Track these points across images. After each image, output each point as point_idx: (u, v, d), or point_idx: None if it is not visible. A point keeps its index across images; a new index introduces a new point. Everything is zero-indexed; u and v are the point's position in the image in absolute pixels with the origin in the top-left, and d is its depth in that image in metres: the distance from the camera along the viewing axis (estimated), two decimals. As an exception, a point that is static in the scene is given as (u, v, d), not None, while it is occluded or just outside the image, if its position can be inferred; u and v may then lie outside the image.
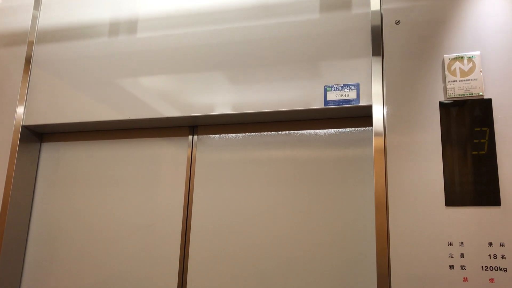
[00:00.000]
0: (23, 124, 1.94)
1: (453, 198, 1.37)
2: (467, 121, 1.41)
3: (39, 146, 2.05)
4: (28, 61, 2.01)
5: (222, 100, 1.73)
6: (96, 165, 1.97)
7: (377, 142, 1.49)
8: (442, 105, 1.45)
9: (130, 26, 1.91)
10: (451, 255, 1.34)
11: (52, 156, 2.04)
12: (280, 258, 1.67)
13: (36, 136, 2.02)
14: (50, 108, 1.93)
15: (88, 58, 1.94)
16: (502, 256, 1.30)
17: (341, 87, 1.58)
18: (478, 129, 1.40)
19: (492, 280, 1.30)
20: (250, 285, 1.68)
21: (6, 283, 1.85)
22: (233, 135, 1.83)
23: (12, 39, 2.06)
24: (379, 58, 1.56)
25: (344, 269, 1.59)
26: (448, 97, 1.45)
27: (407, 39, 1.53)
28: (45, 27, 2.05)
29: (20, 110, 1.95)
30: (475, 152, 1.39)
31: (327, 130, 1.71)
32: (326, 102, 1.58)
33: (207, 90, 1.75)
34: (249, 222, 1.73)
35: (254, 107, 1.68)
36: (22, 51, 2.03)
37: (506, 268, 1.29)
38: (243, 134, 1.82)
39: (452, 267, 1.33)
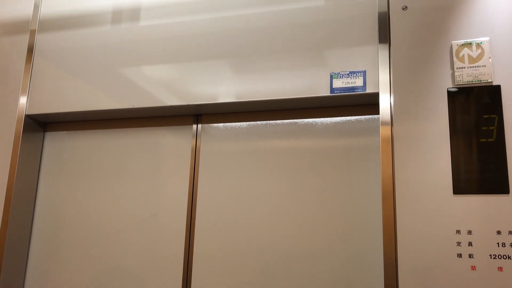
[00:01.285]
0: (26, 113, 1.93)
1: (461, 186, 1.36)
2: (475, 108, 1.39)
3: (42, 136, 2.04)
4: (30, 50, 2.00)
5: (226, 89, 1.71)
6: (99, 154, 1.96)
7: (384, 130, 1.47)
8: (450, 92, 1.42)
9: (133, 14, 1.89)
10: (459, 244, 1.33)
11: (56, 145, 2.03)
12: (286, 248, 1.66)
13: (39, 125, 2.01)
14: (53, 97, 1.91)
15: (91, 47, 1.92)
16: (511, 245, 1.29)
17: (347, 74, 1.55)
18: (487, 116, 1.38)
19: (500, 269, 1.28)
20: (256, 274, 1.67)
21: (11, 273, 1.85)
22: (238, 124, 1.82)
23: (14, 28, 2.04)
24: (386, 45, 1.54)
25: (351, 258, 1.58)
26: (456, 84, 1.43)
27: (415, 25, 1.51)
28: (47, 15, 2.03)
29: (23, 99, 1.94)
30: (484, 140, 1.37)
31: (333, 118, 1.69)
32: (332, 90, 1.56)
33: (211, 79, 1.73)
34: (254, 212, 1.72)
35: (259, 95, 1.67)
36: (24, 40, 2.01)
37: (514, 257, 1.28)
38: (248, 123, 1.80)
39: (460, 255, 1.32)
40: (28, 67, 1.98)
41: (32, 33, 2.02)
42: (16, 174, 1.86)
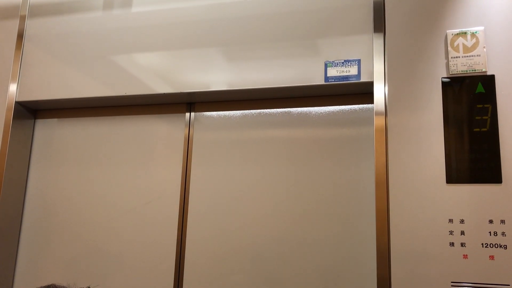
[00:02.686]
0: (16, 100, 1.90)
1: (454, 176, 1.36)
2: (469, 97, 1.39)
3: (33, 123, 2.01)
4: (20, 36, 1.96)
5: (219, 77, 1.69)
6: (91, 142, 1.94)
7: (378, 119, 1.47)
8: (444, 81, 1.42)
9: (125, 0, 1.86)
10: (451, 232, 1.33)
11: (46, 132, 2.00)
12: (278, 236, 1.66)
13: (29, 112, 1.98)
14: (44, 84, 1.88)
15: (82, 33, 1.89)
16: (503, 233, 1.30)
17: (342, 62, 1.55)
18: (481, 106, 1.38)
19: (492, 257, 1.29)
20: (246, 261, 1.67)
21: (2, 260, 1.84)
22: (231, 112, 1.80)
23: (4, 13, 2.00)
24: (381, 35, 1.53)
25: (344, 246, 1.59)
26: (450, 73, 1.43)
27: (410, 15, 1.50)
28: (37, 1, 1.99)
29: (13, 86, 1.91)
30: (477, 129, 1.37)
31: (327, 108, 1.68)
32: (326, 78, 1.55)
33: (204, 67, 1.72)
34: (247, 201, 1.71)
35: (253, 83, 1.65)
36: (14, 26, 1.97)
37: (506, 245, 1.29)
38: (242, 111, 1.79)
39: (452, 244, 1.33)
40: (18, 53, 1.94)
41: (22, 18, 1.98)
42: (6, 161, 1.84)
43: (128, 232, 1.82)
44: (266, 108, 1.76)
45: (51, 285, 1.27)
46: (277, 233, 1.66)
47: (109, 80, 1.81)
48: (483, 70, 1.40)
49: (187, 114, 1.85)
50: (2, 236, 1.83)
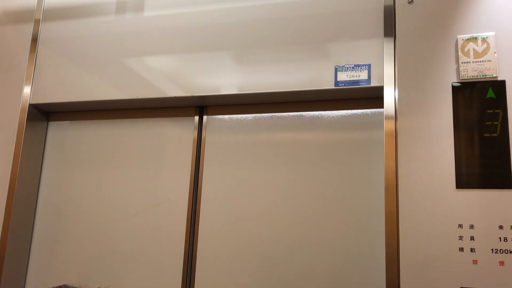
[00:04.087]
0: (30, 102, 1.93)
1: (464, 181, 1.36)
2: (479, 103, 1.39)
3: (46, 125, 2.04)
4: (34, 39, 1.99)
5: (229, 81, 1.71)
6: (102, 144, 1.96)
7: (388, 124, 1.47)
8: (454, 86, 1.42)
9: (137, 4, 1.89)
10: (461, 238, 1.33)
11: (59, 134, 2.03)
12: (288, 239, 1.66)
13: (43, 114, 2.01)
14: (57, 86, 1.91)
15: (95, 37, 1.92)
16: (513, 239, 1.29)
17: (352, 67, 1.55)
18: (491, 111, 1.38)
19: (502, 263, 1.29)
20: (257, 264, 1.68)
21: (15, 260, 1.86)
22: (243, 116, 1.82)
23: (18, 17, 2.04)
24: (391, 39, 1.54)
25: (353, 251, 1.59)
26: (461, 78, 1.43)
27: (420, 20, 1.50)
28: (51, 4, 2.02)
29: (27, 88, 1.94)
30: (487, 135, 1.37)
31: (338, 112, 1.69)
32: (336, 83, 1.56)
33: (215, 70, 1.73)
34: (258, 204, 1.72)
35: (263, 87, 1.66)
36: (29, 29, 2.01)
37: (516, 251, 1.28)
38: (253, 115, 1.80)
39: (461, 249, 1.32)
40: (32, 56, 1.97)
41: (36, 22, 2.01)
42: (19, 163, 1.87)
43: (139, 233, 1.84)
44: (277, 112, 1.77)
45: (63, 285, 1.28)
46: (287, 236, 1.67)
47: (121, 83, 1.83)
48: (494, 75, 1.39)
49: (196, 117, 1.86)
50: (14, 236, 1.86)
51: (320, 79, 1.59)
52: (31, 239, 1.95)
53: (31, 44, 1.98)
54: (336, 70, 1.57)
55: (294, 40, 1.66)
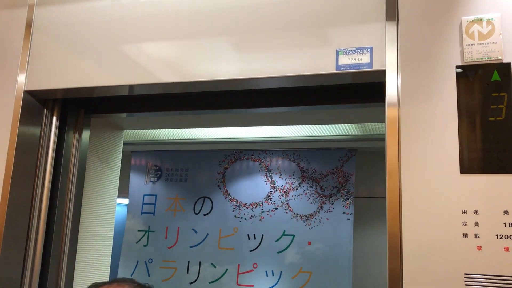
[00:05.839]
0: (25, 89, 1.89)
1: (468, 165, 1.33)
2: (484, 86, 1.36)
3: (42, 112, 2.00)
4: (28, 25, 1.95)
5: (228, 66, 1.67)
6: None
7: (391, 104, 1.44)
8: (458, 69, 1.39)
9: (134, -12, 1.84)
10: (465, 224, 1.31)
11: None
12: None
13: (39, 102, 1.97)
14: (53, 73, 1.87)
15: (91, 22, 1.87)
16: (518, 225, 1.27)
17: (354, 50, 1.52)
18: (496, 94, 1.35)
19: (506, 249, 1.27)
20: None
21: (12, 249, 1.84)
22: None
23: (12, 2, 1.99)
24: (394, 23, 1.50)
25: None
26: (465, 61, 1.39)
27: (424, 2, 1.47)
28: (46, -11, 1.98)
29: (22, 75, 1.90)
30: (492, 118, 1.34)
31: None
32: (338, 67, 1.52)
33: (213, 56, 1.69)
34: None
35: (262, 72, 1.63)
36: (23, 14, 1.96)
37: (521, 237, 1.26)
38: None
39: (465, 235, 1.30)
40: (26, 43, 1.93)
41: (31, 7, 1.97)
42: (15, 150, 1.84)
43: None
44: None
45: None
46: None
47: (117, 69, 1.79)
48: (499, 57, 1.36)
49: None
50: (12, 226, 1.83)
51: (322, 63, 1.56)
52: (28, 227, 1.92)
53: (26, 30, 1.94)
54: (337, 54, 1.54)
55: (294, 24, 1.62)
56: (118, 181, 2.49)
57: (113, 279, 1.47)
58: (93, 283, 1.48)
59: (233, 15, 1.69)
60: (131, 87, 1.79)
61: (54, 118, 1.99)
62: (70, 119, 2.04)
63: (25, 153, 1.90)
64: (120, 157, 2.54)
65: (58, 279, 1.94)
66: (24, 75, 1.90)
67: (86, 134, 2.13)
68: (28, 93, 1.91)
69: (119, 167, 2.51)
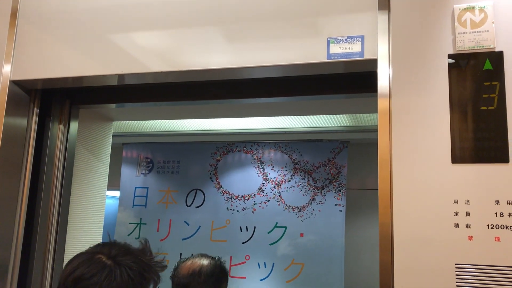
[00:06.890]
0: (11, 79, 1.85)
1: (459, 155, 1.32)
2: (476, 75, 1.35)
3: (28, 103, 1.96)
4: (14, 14, 1.90)
5: (218, 56, 1.64)
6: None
7: (382, 89, 1.42)
8: (450, 58, 1.38)
9: (122, -24, 1.80)
10: (456, 214, 1.30)
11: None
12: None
13: (25, 92, 1.93)
14: (39, 63, 1.84)
15: (78, 11, 1.83)
16: (509, 214, 1.26)
17: (345, 39, 1.50)
18: (488, 83, 1.33)
19: (497, 239, 1.26)
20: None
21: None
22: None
23: (-3, -10, 1.95)
24: (386, 12, 1.48)
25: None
26: (457, 50, 1.38)
27: (416, -11, 1.45)
28: (31, -23, 1.93)
29: (7, 64, 1.86)
30: (484, 108, 1.33)
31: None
32: (329, 55, 1.50)
33: (202, 46, 1.66)
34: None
35: (253, 62, 1.60)
36: (7, 3, 1.92)
37: (512, 227, 1.25)
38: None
39: (457, 225, 1.29)
40: (12, 31, 1.89)
41: (16, -5, 1.92)
42: (0, 142, 1.80)
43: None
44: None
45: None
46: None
47: (105, 58, 1.76)
48: (491, 46, 1.35)
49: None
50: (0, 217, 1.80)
51: (313, 52, 1.53)
52: (18, 220, 1.89)
53: (11, 18, 1.90)
54: (328, 43, 1.51)
55: (285, 13, 1.59)
56: (108, 173, 2.46)
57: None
58: None
59: (224, 4, 1.66)
60: (120, 76, 1.76)
61: (39, 108, 1.95)
62: (55, 110, 2.00)
63: (11, 145, 1.87)
64: (110, 149, 2.51)
65: (44, 271, 1.91)
66: (10, 65, 1.86)
67: (74, 126, 2.09)
68: (14, 83, 1.87)
69: (109, 159, 2.48)
